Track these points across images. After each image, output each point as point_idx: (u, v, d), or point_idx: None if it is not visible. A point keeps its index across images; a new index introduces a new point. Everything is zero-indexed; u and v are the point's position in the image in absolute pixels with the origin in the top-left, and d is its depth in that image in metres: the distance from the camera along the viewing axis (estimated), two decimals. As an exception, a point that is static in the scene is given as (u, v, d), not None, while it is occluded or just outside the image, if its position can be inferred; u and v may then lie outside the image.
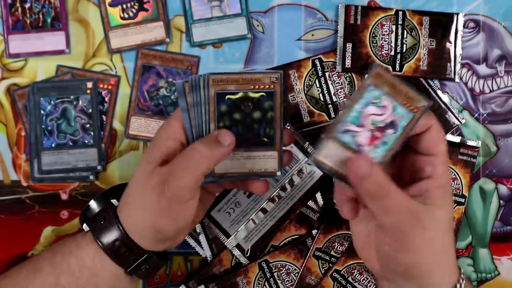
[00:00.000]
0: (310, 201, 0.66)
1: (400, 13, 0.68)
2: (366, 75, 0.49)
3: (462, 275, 0.53)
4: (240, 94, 0.54)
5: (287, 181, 0.65)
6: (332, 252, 0.66)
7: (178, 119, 0.54)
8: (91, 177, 0.68)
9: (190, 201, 0.52)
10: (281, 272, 0.66)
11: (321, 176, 0.66)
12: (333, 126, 0.49)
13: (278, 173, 0.54)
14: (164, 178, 0.51)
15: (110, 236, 0.54)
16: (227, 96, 0.53)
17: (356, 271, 0.66)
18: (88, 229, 0.56)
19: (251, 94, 0.54)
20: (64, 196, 0.69)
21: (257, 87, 0.54)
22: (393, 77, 0.49)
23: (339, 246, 0.66)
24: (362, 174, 0.47)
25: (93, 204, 0.63)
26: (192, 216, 0.54)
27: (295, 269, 0.66)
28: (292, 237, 0.67)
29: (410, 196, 0.49)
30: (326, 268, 0.66)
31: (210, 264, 0.67)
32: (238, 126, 0.54)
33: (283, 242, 0.67)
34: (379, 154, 0.49)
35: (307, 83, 0.68)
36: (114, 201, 0.57)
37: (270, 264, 0.66)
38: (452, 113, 0.67)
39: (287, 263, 0.66)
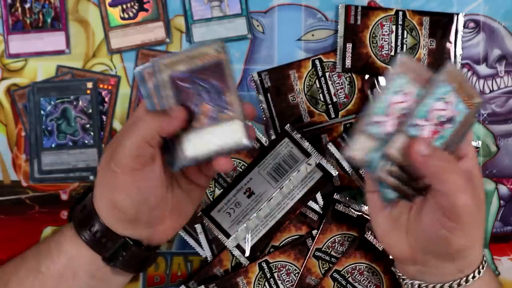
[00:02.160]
0: (310, 201, 0.66)
1: (400, 13, 0.68)
2: (439, 73, 0.49)
3: (484, 254, 0.55)
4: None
5: (286, 181, 0.65)
6: (333, 252, 0.66)
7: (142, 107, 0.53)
8: (91, 177, 0.68)
9: (139, 171, 0.51)
10: (281, 273, 0.66)
11: (321, 176, 0.66)
12: (405, 119, 0.49)
13: (246, 142, 0.52)
14: (112, 150, 0.51)
15: (85, 219, 0.54)
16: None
17: (356, 271, 0.66)
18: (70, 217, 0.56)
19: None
20: (64, 196, 0.69)
21: (205, 61, 0.53)
22: (462, 73, 0.50)
23: (339, 246, 0.66)
24: (427, 152, 0.48)
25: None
26: (150, 190, 0.52)
27: (295, 269, 0.66)
28: (292, 237, 0.67)
29: None
30: (326, 268, 0.66)
31: (210, 264, 0.67)
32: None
33: (283, 242, 0.67)
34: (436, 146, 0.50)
35: (307, 83, 0.68)
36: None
37: (270, 264, 0.66)
38: (452, 113, 0.67)
39: (287, 263, 0.66)
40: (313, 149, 0.66)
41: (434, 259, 0.53)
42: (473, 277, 0.53)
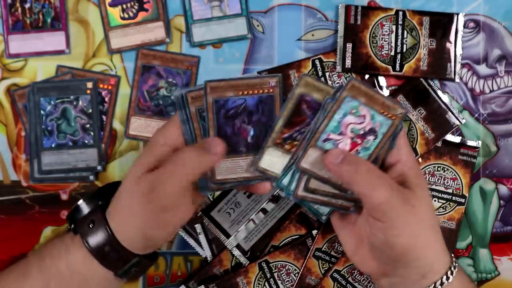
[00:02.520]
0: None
1: (400, 13, 0.68)
2: (342, 88, 0.52)
3: (454, 260, 0.54)
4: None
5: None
6: (332, 253, 0.66)
7: (176, 125, 0.54)
8: (91, 177, 0.68)
9: (179, 207, 0.52)
10: (281, 272, 0.66)
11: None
12: (312, 136, 0.52)
13: (279, 173, 0.54)
14: (152, 185, 0.51)
15: (99, 241, 0.53)
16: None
17: (356, 271, 0.66)
18: (76, 232, 0.55)
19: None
20: (64, 196, 0.69)
21: (256, 92, 0.53)
22: (369, 87, 0.52)
23: (339, 246, 0.66)
24: (337, 159, 0.50)
25: (82, 204, 0.61)
26: (183, 221, 0.54)
27: (295, 269, 0.66)
28: (292, 237, 0.67)
29: None
30: (326, 268, 0.66)
31: (210, 264, 0.67)
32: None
33: (283, 242, 0.67)
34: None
35: (307, 83, 0.68)
36: (102, 203, 0.56)
37: (270, 264, 0.66)
38: (452, 113, 0.67)
39: (287, 263, 0.66)
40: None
41: (396, 268, 0.53)
42: (442, 283, 0.52)
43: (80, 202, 0.62)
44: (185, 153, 0.51)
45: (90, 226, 0.54)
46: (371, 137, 0.52)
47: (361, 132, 0.52)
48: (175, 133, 0.53)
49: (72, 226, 0.57)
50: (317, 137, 0.52)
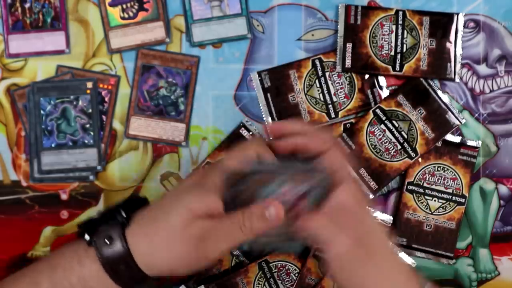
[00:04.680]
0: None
1: (400, 13, 0.68)
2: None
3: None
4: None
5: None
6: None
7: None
8: (91, 177, 0.68)
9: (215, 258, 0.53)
10: (281, 272, 0.66)
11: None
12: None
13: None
14: (203, 236, 0.51)
15: (117, 260, 0.52)
16: None
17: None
18: (91, 245, 0.53)
19: None
20: (64, 196, 0.69)
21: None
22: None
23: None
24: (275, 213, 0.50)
25: (99, 216, 0.57)
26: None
27: (295, 269, 0.66)
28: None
29: None
30: (326, 268, 0.66)
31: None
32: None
33: (283, 242, 0.67)
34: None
35: (307, 83, 0.68)
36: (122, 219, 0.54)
37: (270, 264, 0.66)
38: (452, 113, 0.67)
39: (287, 263, 0.66)
40: None
41: None
42: None
43: (98, 213, 0.58)
44: (243, 221, 0.52)
45: (108, 243, 0.52)
46: (306, 199, 0.52)
47: (297, 197, 0.52)
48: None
49: (86, 235, 0.54)
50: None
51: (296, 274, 0.66)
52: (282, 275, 0.66)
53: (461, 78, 0.69)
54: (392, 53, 0.68)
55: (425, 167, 0.67)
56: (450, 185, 0.67)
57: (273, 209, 0.51)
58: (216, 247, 0.51)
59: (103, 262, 0.52)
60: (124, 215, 0.54)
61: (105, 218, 0.54)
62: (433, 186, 0.67)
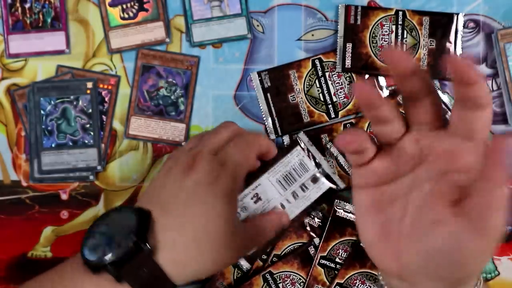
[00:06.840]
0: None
1: (400, 13, 0.68)
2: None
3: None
4: None
5: (294, 190, 0.64)
6: (337, 259, 0.65)
7: None
8: (91, 177, 0.68)
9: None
10: (286, 283, 0.65)
11: (328, 188, 0.65)
12: None
13: None
14: (245, 244, 0.55)
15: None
16: None
17: (358, 281, 0.65)
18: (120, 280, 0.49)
19: None
20: (64, 196, 0.69)
21: None
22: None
23: (343, 253, 0.66)
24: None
25: (118, 254, 0.50)
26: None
27: (299, 279, 0.66)
28: (294, 245, 0.66)
29: None
30: (332, 275, 0.65)
31: (212, 277, 0.66)
32: None
33: (285, 250, 0.66)
34: None
35: (307, 83, 0.68)
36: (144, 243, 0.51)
37: (274, 276, 0.65)
38: (452, 113, 0.67)
39: (291, 273, 0.66)
40: (323, 159, 0.65)
41: (429, 282, 0.43)
42: None
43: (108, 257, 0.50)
44: (268, 232, 0.60)
45: (141, 273, 0.49)
46: None
47: None
48: None
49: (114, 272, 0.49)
50: None
51: (302, 283, 0.65)
52: (287, 285, 0.65)
53: (461, 78, 0.69)
54: (392, 53, 0.67)
55: (425, 167, 0.67)
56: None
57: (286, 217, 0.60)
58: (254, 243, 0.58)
59: None
60: (148, 246, 0.50)
61: (127, 254, 0.49)
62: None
